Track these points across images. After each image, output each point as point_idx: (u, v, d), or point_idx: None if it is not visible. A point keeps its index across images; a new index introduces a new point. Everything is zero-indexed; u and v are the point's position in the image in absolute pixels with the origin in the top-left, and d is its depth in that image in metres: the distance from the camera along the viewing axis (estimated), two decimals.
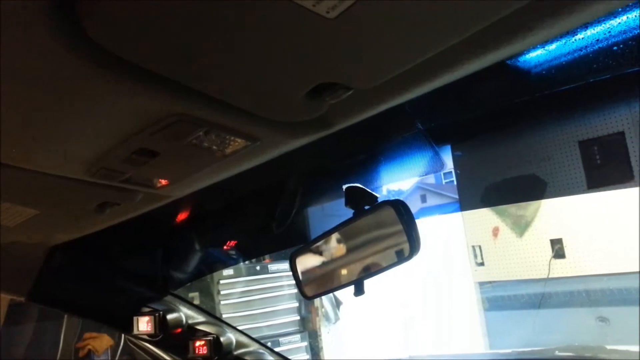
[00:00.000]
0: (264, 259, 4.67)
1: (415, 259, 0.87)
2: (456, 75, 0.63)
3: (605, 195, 3.80)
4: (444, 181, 11.31)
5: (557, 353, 1.69)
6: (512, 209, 4.30)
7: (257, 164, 0.88)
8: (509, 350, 1.79)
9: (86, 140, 0.74)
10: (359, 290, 0.95)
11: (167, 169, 0.87)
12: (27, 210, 1.04)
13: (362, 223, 0.96)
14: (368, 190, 0.97)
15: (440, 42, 0.51)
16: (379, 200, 0.95)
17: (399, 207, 0.87)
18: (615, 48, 0.64)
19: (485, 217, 4.47)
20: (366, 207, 0.95)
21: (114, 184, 0.92)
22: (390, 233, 0.89)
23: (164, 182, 0.93)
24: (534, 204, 4.19)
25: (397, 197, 0.94)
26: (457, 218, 4.88)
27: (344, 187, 0.99)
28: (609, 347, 1.65)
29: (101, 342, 3.28)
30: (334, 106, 0.64)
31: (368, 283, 0.98)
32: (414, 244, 0.85)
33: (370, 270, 0.94)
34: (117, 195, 0.99)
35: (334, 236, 1.02)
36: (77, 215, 1.12)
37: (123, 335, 3.32)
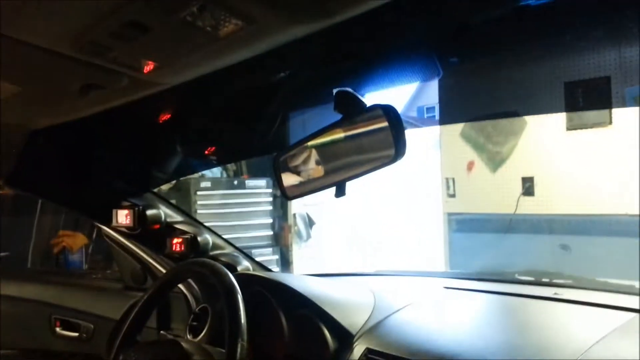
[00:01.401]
0: (242, 174, 4.72)
1: (398, 163, 0.89)
2: None
3: (581, 138, 3.88)
4: (426, 115, 11.33)
5: (517, 276, 1.79)
6: (489, 144, 4.37)
7: (252, 54, 0.86)
8: (471, 271, 1.88)
9: (74, 8, 0.71)
10: (341, 192, 0.97)
11: (156, 49, 0.85)
12: (8, 86, 1.01)
13: (349, 127, 0.97)
14: (358, 95, 0.97)
15: None
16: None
17: (389, 112, 0.87)
18: None
19: (462, 150, 4.53)
20: (355, 112, 0.96)
21: (100, 62, 0.90)
22: (377, 137, 0.90)
23: (151, 64, 0.91)
24: (510, 142, 4.26)
25: None
26: (435, 149, 4.95)
27: (335, 90, 0.98)
28: (566, 274, 1.75)
29: (75, 240, 3.32)
30: None
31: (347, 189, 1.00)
32: (399, 149, 0.87)
33: (353, 173, 0.96)
34: (103, 77, 0.96)
35: (320, 138, 1.03)
36: (60, 95, 1.09)
37: (95, 234, 3.38)
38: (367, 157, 0.94)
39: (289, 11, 0.70)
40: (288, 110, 1.28)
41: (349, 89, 0.98)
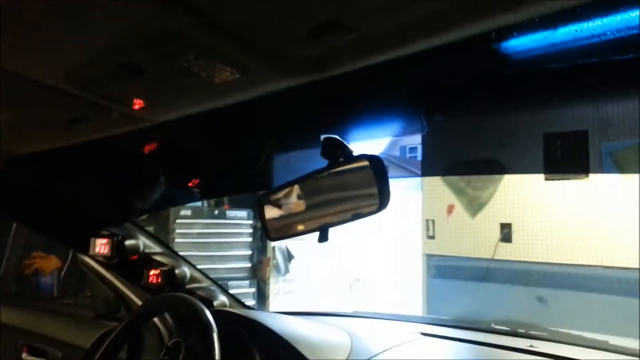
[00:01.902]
0: (223, 204, 4.69)
1: (381, 213, 0.90)
2: (453, 36, 0.64)
3: (558, 189, 3.97)
4: (408, 155, 11.47)
5: (493, 326, 1.80)
6: (469, 189, 4.44)
7: (243, 99, 0.88)
8: (448, 317, 1.89)
9: (71, 45, 0.72)
10: (323, 237, 0.98)
11: (149, 90, 0.86)
12: None
13: (334, 174, 0.99)
14: (345, 143, 0.99)
15: None
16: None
17: (375, 162, 0.89)
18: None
19: (442, 194, 4.59)
20: (341, 160, 0.97)
21: (91, 97, 0.90)
22: (361, 186, 0.92)
23: (143, 103, 0.92)
24: (490, 188, 4.33)
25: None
26: (417, 192, 5.00)
27: (322, 137, 1.00)
28: (541, 326, 1.76)
29: (49, 262, 3.25)
30: (332, 49, 0.64)
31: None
32: (383, 200, 0.88)
33: (336, 220, 0.97)
34: (92, 111, 0.97)
35: (305, 183, 1.04)
36: (46, 125, 1.09)
37: (69, 259, 3.31)
38: (351, 205, 0.96)
39: (284, 64, 0.72)
40: (274, 152, 1.29)
41: (337, 136, 1.00)
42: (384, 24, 0.58)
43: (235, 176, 1.57)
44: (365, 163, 0.91)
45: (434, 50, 0.68)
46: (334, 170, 0.98)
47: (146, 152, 1.35)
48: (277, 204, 1.10)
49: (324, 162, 0.96)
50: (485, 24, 0.59)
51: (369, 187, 0.90)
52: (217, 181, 1.59)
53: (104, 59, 0.74)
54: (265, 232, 1.11)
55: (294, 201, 1.06)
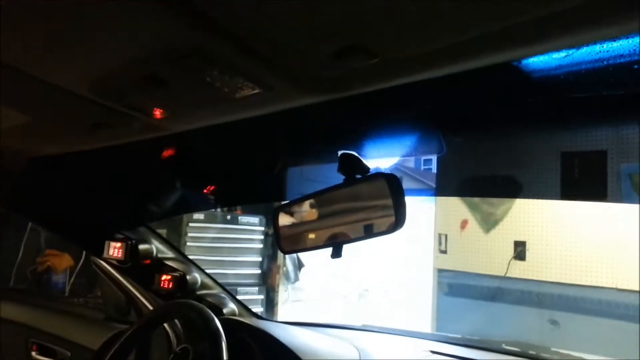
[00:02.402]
0: (235, 210, 4.70)
1: (396, 233, 0.90)
2: (475, 64, 0.65)
3: (574, 210, 3.92)
4: (422, 167, 11.42)
5: (504, 346, 1.78)
6: (483, 205, 4.40)
7: (262, 114, 0.89)
8: (458, 336, 1.87)
9: (99, 56, 0.73)
10: (337, 254, 0.98)
11: (171, 101, 0.87)
12: (19, 115, 1.03)
13: (350, 190, 0.99)
14: (362, 160, 0.99)
15: (479, 26, 0.52)
16: (371, 172, 0.97)
17: (392, 181, 0.89)
18: (636, 66, 0.66)
19: (456, 208, 4.56)
20: (358, 176, 0.97)
21: (114, 105, 0.91)
22: (377, 204, 0.92)
23: (164, 113, 0.93)
24: (505, 204, 4.29)
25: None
26: (430, 205, 4.97)
27: (340, 153, 1.00)
28: (553, 349, 1.74)
29: (61, 261, 3.29)
30: (355, 71, 0.65)
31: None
32: (399, 219, 0.88)
33: (351, 237, 0.97)
34: (114, 118, 0.98)
35: (321, 198, 1.04)
36: (69, 130, 1.11)
37: (82, 258, 3.34)
38: (366, 223, 0.96)
39: (306, 84, 0.72)
40: (291, 165, 1.30)
41: (354, 153, 1.00)
42: (408, 50, 0.59)
43: (250, 186, 1.57)
44: (382, 181, 0.91)
45: (455, 76, 0.68)
46: (350, 186, 0.98)
47: (164, 159, 1.37)
48: (292, 217, 1.10)
49: (337, 172, 0.96)
50: (507, 55, 0.59)
51: (385, 206, 0.90)
52: (231, 190, 1.59)
53: (129, 70, 0.75)
54: (279, 244, 1.12)
55: (309, 215, 1.06)
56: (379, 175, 0.92)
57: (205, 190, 1.71)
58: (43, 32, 0.67)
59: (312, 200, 1.05)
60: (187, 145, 1.26)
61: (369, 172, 0.97)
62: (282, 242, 1.11)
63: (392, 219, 0.88)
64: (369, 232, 0.94)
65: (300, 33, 0.58)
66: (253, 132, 1.11)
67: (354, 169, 0.98)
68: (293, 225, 1.10)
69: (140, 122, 1.00)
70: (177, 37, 0.64)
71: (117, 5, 0.59)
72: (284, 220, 1.11)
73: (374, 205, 0.94)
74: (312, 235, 1.05)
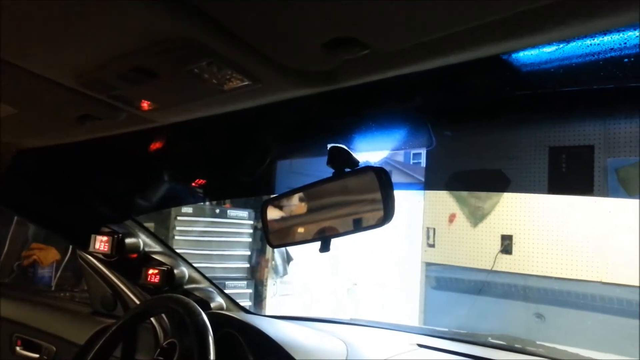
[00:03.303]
0: (224, 203, 4.68)
1: (385, 227, 0.89)
2: (465, 57, 0.64)
3: (561, 204, 3.96)
4: (411, 161, 11.44)
5: (490, 339, 1.79)
6: (471, 199, 4.43)
7: (251, 106, 0.88)
8: (445, 329, 1.88)
9: (86, 47, 0.71)
10: (325, 248, 0.98)
11: (159, 93, 0.86)
12: (5, 107, 1.01)
13: (340, 184, 0.98)
14: (352, 153, 0.99)
15: (469, 19, 0.51)
16: (361, 165, 0.97)
17: (381, 175, 0.89)
18: (626, 60, 0.66)
19: (444, 202, 4.59)
20: (347, 170, 0.97)
21: (101, 97, 0.90)
22: (366, 198, 0.92)
23: (152, 105, 0.92)
24: (492, 199, 4.32)
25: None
26: (419, 199, 4.99)
27: (329, 146, 1.00)
28: (538, 342, 1.76)
29: (47, 254, 3.25)
30: (345, 63, 0.64)
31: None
32: (388, 213, 0.88)
33: (339, 231, 0.97)
34: (102, 110, 0.97)
35: (310, 192, 1.03)
36: (56, 122, 1.09)
37: (69, 251, 3.30)
38: (355, 217, 0.95)
39: (295, 76, 0.71)
40: (279, 158, 1.29)
41: (343, 146, 0.99)
42: (398, 43, 0.58)
43: (239, 180, 1.56)
44: (371, 174, 0.90)
45: (446, 69, 0.67)
46: (339, 180, 0.98)
47: (151, 151, 1.35)
48: (281, 211, 1.09)
49: (326, 165, 0.96)
50: (497, 48, 0.59)
51: (374, 200, 0.89)
52: (220, 184, 1.58)
53: (116, 61, 0.73)
54: (267, 239, 1.11)
55: (298, 209, 1.05)
56: (368, 168, 0.92)
57: (193, 184, 1.70)
58: (30, 24, 0.66)
59: (300, 194, 1.04)
60: (175, 137, 1.25)
61: (358, 165, 0.96)
62: (270, 236, 1.10)
63: (381, 212, 0.88)
64: (357, 226, 0.94)
65: (290, 24, 0.57)
66: (241, 125, 1.11)
67: (343, 162, 0.98)
68: (281, 219, 1.09)
69: (128, 114, 0.99)
70: (165, 28, 0.63)
71: None
72: (272, 214, 1.10)
73: (362, 199, 0.93)
74: (300, 229, 1.05)
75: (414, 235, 5.01)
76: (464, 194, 4.50)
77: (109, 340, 1.36)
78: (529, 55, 0.72)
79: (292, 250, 5.03)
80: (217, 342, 1.22)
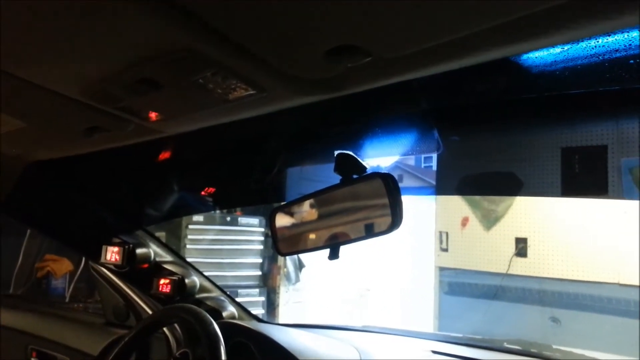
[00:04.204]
0: (235, 211, 4.68)
1: (393, 233, 0.89)
2: (469, 61, 0.64)
3: (575, 205, 3.91)
4: (423, 165, 11.39)
5: (506, 345, 1.77)
6: (484, 202, 4.39)
7: (257, 115, 0.88)
8: (460, 335, 1.86)
9: (92, 60, 0.72)
10: (334, 255, 0.97)
11: (165, 104, 0.86)
12: (14, 121, 1.02)
13: (347, 190, 0.98)
14: (359, 159, 0.98)
15: (472, 24, 0.51)
16: (368, 171, 0.96)
17: (388, 181, 0.88)
18: (632, 61, 0.65)
19: (457, 206, 4.55)
20: (354, 176, 0.96)
21: (108, 109, 0.91)
22: (374, 204, 0.91)
23: (159, 116, 0.92)
24: (506, 201, 4.28)
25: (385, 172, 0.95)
26: (430, 203, 4.96)
27: (336, 153, 0.99)
28: (554, 346, 1.73)
29: (61, 265, 3.28)
30: (348, 70, 0.64)
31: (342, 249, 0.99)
32: (396, 219, 0.87)
33: (348, 238, 0.96)
34: (109, 122, 0.97)
35: (318, 199, 1.03)
36: (64, 135, 1.10)
37: (82, 262, 3.33)
38: (363, 223, 0.95)
39: (299, 84, 0.71)
40: (288, 166, 1.29)
41: (350, 152, 0.99)
42: (402, 49, 0.58)
43: (248, 188, 1.56)
44: (378, 180, 0.90)
45: (451, 73, 0.67)
46: (347, 187, 0.97)
47: (160, 162, 1.36)
48: (289, 219, 1.09)
49: (333, 172, 0.96)
50: (501, 51, 0.58)
51: (382, 206, 0.89)
52: (229, 192, 1.59)
53: (122, 73, 0.74)
54: (276, 247, 1.11)
55: (306, 217, 1.05)
56: (375, 174, 0.91)
57: (202, 193, 1.70)
58: (36, 37, 0.67)
59: (309, 201, 1.04)
60: (183, 147, 1.26)
61: (365, 171, 0.96)
62: (279, 244, 1.10)
63: (389, 218, 0.87)
64: (366, 233, 0.93)
65: (292, 33, 0.57)
66: (248, 134, 1.11)
67: (350, 169, 0.97)
68: (290, 226, 1.09)
69: (135, 125, 1.00)
70: (169, 39, 0.63)
71: (108, 9, 0.59)
72: (281, 222, 1.10)
73: (370, 205, 0.93)
74: (309, 237, 1.04)
75: (427, 239, 4.98)
76: (477, 197, 4.46)
77: (122, 351, 1.37)
78: (533, 58, 0.71)
79: (304, 257, 5.01)
80: (229, 351, 1.22)
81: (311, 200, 1.03)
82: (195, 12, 0.57)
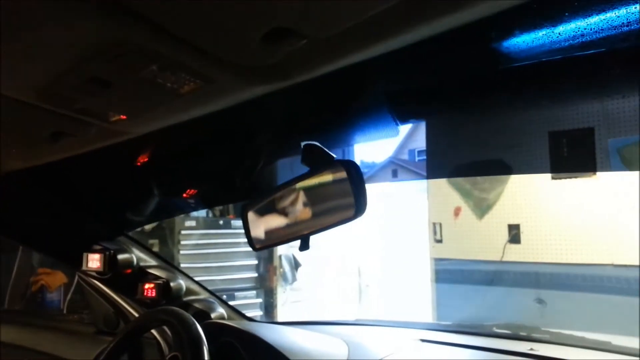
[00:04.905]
0: (227, 214, 4.69)
1: (359, 219, 0.88)
2: (422, 33, 0.62)
3: (566, 189, 3.91)
4: (417, 159, 11.44)
5: (495, 329, 1.77)
6: (475, 191, 4.40)
7: (216, 109, 0.87)
8: (450, 322, 1.86)
9: (37, 60, 0.72)
10: (305, 245, 0.97)
11: (121, 102, 0.86)
12: None
13: (314, 180, 0.97)
14: (325, 149, 0.98)
15: None
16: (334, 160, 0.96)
17: (350, 168, 0.88)
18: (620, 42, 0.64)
19: (449, 196, 4.56)
20: (319, 166, 0.96)
21: (67, 112, 0.90)
22: (339, 192, 0.90)
23: (118, 116, 0.92)
24: (497, 189, 4.29)
25: (350, 161, 0.94)
26: (422, 195, 4.96)
27: (302, 144, 0.99)
28: (543, 328, 1.73)
29: (54, 278, 3.27)
30: (290, 55, 0.63)
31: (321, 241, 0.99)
32: (359, 205, 0.86)
33: (317, 227, 0.96)
34: (71, 125, 0.97)
35: (286, 191, 1.03)
36: (30, 142, 1.10)
37: (77, 275, 3.32)
38: (329, 212, 0.94)
39: (246, 73, 0.71)
40: (264, 159, 1.28)
41: (316, 143, 0.98)
42: (334, 26, 0.57)
43: (233, 185, 1.55)
44: (341, 168, 0.90)
45: (407, 48, 0.66)
46: (313, 177, 0.97)
47: (134, 164, 1.35)
48: (260, 213, 1.09)
49: (300, 163, 0.95)
50: (458, 18, 0.57)
51: (346, 194, 0.88)
52: (207, 190, 1.58)
53: (69, 73, 0.74)
54: (249, 242, 1.10)
55: (275, 209, 1.05)
56: (338, 162, 0.91)
57: (184, 195, 1.69)
58: None
59: (278, 194, 1.04)
60: (153, 148, 1.25)
61: (332, 160, 0.96)
62: (253, 240, 1.09)
63: (353, 206, 0.87)
64: (332, 222, 0.93)
65: (225, 19, 0.57)
66: (214, 130, 1.10)
67: (317, 159, 0.97)
68: (261, 221, 1.08)
69: (98, 128, 0.99)
70: (108, 35, 0.63)
71: (45, 8, 0.58)
72: (252, 217, 1.10)
73: (335, 194, 0.92)
74: (279, 230, 1.04)
75: (421, 231, 4.99)
76: (468, 186, 4.47)
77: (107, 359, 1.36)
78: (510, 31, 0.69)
79: (300, 256, 5.01)
80: (217, 351, 1.21)
81: (280, 193, 1.03)
82: (131, 6, 0.57)
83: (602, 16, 0.67)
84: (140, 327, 1.44)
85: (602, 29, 0.70)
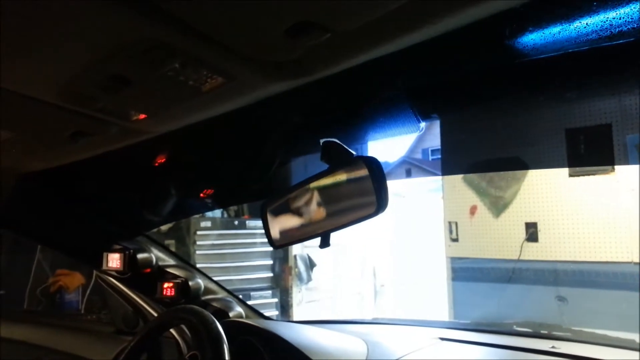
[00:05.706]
0: (243, 214, 4.70)
1: (380, 216, 0.88)
2: (441, 28, 0.62)
3: (584, 187, 3.86)
4: (430, 158, 11.36)
5: (515, 327, 1.75)
6: (491, 189, 4.35)
7: (236, 107, 0.87)
8: (468, 321, 1.84)
9: (60, 58, 0.72)
10: (325, 242, 0.96)
11: (142, 101, 0.86)
12: (1, 132, 1.03)
13: (334, 177, 0.97)
14: (344, 146, 0.97)
15: None
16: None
17: (371, 165, 0.87)
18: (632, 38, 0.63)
19: (464, 195, 4.52)
20: (340, 163, 0.96)
21: (88, 112, 0.91)
22: (360, 189, 0.90)
23: (139, 114, 0.92)
24: (513, 187, 4.24)
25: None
26: (437, 194, 4.93)
27: (321, 141, 0.99)
28: (564, 326, 1.71)
29: (73, 279, 3.30)
30: (312, 50, 0.63)
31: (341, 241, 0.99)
32: (381, 202, 0.86)
33: (338, 224, 0.95)
34: (92, 125, 0.98)
35: (306, 188, 1.02)
36: (50, 142, 1.11)
37: (94, 275, 3.35)
38: (350, 209, 0.94)
39: (268, 69, 0.71)
40: (280, 158, 1.28)
41: (335, 140, 0.98)
42: (357, 19, 0.57)
43: (249, 185, 1.55)
44: (362, 165, 0.89)
45: (430, 43, 0.65)
46: (334, 174, 0.97)
47: (153, 164, 1.36)
48: (279, 211, 1.08)
49: (320, 160, 0.95)
50: (473, 12, 0.56)
51: (367, 190, 0.88)
52: (229, 190, 1.58)
53: (92, 72, 0.74)
54: (269, 240, 1.10)
55: (295, 207, 1.04)
56: (359, 159, 0.90)
57: (202, 195, 1.70)
58: (5, 43, 0.67)
59: (297, 192, 1.03)
60: (173, 147, 1.26)
61: (352, 157, 0.95)
62: (272, 237, 1.09)
63: (374, 202, 0.87)
64: (353, 218, 0.92)
65: (249, 15, 0.57)
66: (234, 129, 1.10)
67: (336, 156, 0.97)
68: (281, 218, 1.08)
69: (119, 127, 1.00)
70: (130, 32, 0.63)
71: (68, 8, 0.59)
72: (272, 215, 1.09)
73: (356, 191, 0.92)
74: (299, 227, 1.04)
75: (437, 231, 4.95)
76: (484, 184, 4.43)
77: (127, 358, 1.37)
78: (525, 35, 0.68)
79: (315, 256, 5.01)
80: (236, 350, 1.21)
81: (299, 191, 1.03)
82: (156, 3, 0.57)
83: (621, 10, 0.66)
84: (160, 326, 1.44)
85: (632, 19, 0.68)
